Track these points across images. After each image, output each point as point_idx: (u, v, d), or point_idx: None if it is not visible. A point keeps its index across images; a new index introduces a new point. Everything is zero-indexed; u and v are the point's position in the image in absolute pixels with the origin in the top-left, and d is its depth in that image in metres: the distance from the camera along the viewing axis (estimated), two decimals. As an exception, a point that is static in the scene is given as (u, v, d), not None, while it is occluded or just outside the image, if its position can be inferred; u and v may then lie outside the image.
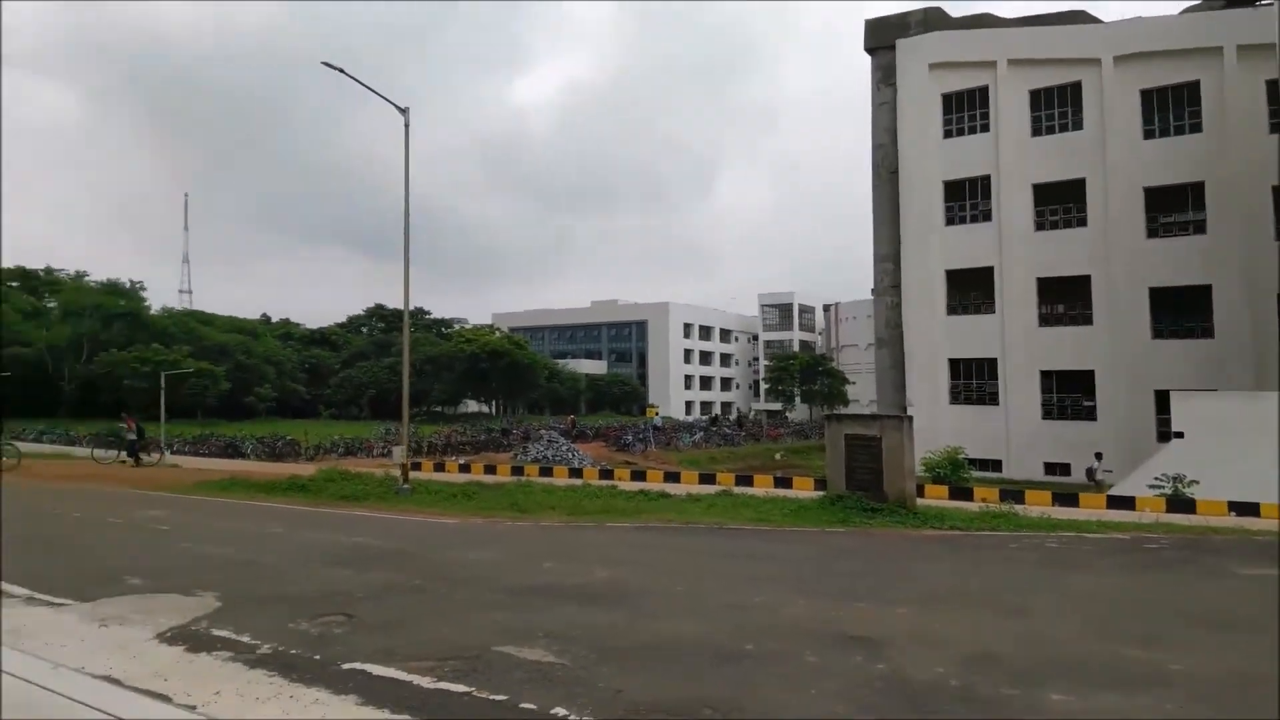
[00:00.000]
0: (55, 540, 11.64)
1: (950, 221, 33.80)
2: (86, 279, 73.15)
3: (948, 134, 33.88)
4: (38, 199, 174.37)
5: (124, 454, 27.37)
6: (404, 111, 19.24)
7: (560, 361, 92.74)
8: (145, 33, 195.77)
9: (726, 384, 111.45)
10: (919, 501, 15.32)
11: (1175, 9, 33.55)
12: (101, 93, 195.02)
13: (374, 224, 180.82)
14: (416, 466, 25.61)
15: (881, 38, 35.23)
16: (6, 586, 8.12)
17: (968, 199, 33.55)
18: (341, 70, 18.17)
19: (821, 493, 16.27)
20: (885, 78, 34.91)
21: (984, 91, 32.99)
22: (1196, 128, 29.46)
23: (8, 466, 22.90)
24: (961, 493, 18.18)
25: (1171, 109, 29.96)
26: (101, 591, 7.92)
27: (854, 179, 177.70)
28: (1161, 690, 5.38)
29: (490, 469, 25.66)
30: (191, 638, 6.43)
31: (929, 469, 22.02)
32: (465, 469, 26.30)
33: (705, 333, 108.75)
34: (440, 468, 27.07)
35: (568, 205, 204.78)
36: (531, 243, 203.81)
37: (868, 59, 35.71)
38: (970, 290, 33.49)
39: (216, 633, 6.57)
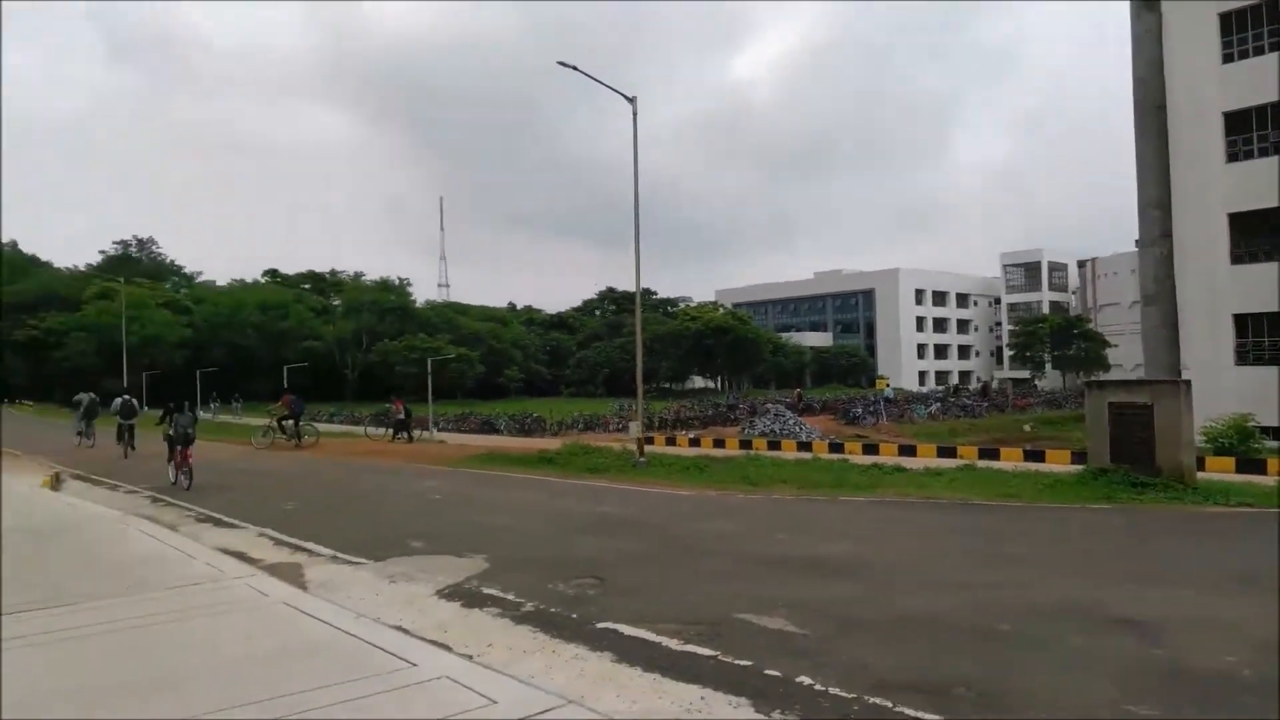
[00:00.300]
0: (350, 508, 13.44)
1: (1233, 158, 29.37)
2: (363, 278, 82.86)
3: (1228, 58, 29.40)
4: (319, 211, 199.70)
5: (394, 431, 30.74)
6: (631, 101, 19.84)
7: (784, 335, 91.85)
8: (398, 53, 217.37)
9: (965, 352, 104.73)
10: (1199, 475, 13.64)
11: None
12: (367, 113, 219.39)
13: (605, 212, 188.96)
14: (650, 440, 26.53)
15: None
16: (314, 547, 9.53)
17: (1255, 130, 28.93)
18: (575, 68, 19.08)
19: (1080, 467, 14.95)
20: (1147, 2, 30.83)
21: (1273, 4, 28.16)
22: None
23: (308, 445, 26.72)
24: (1252, 465, 15.97)
25: None
26: (389, 552, 9.07)
27: (1107, 123, 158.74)
28: None
29: (719, 443, 26.07)
30: (466, 595, 7.20)
31: (1210, 439, 19.40)
32: (695, 443, 26.91)
33: (939, 298, 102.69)
34: (671, 442, 27.89)
35: (791, 176, 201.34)
36: (755, 217, 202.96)
37: None
38: (1259, 235, 28.91)
39: (486, 591, 7.31)
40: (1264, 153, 28.91)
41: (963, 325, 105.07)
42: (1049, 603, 6.59)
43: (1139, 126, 31.47)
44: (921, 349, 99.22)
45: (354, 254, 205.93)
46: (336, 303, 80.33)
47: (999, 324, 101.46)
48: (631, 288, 21.32)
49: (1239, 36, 29.34)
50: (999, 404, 52.51)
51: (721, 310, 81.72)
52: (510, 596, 7.08)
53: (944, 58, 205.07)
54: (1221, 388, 27.22)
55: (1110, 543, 9.50)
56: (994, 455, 19.69)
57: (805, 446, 23.52)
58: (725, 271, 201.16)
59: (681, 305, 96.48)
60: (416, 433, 31.12)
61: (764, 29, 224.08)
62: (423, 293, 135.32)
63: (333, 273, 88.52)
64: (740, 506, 12.74)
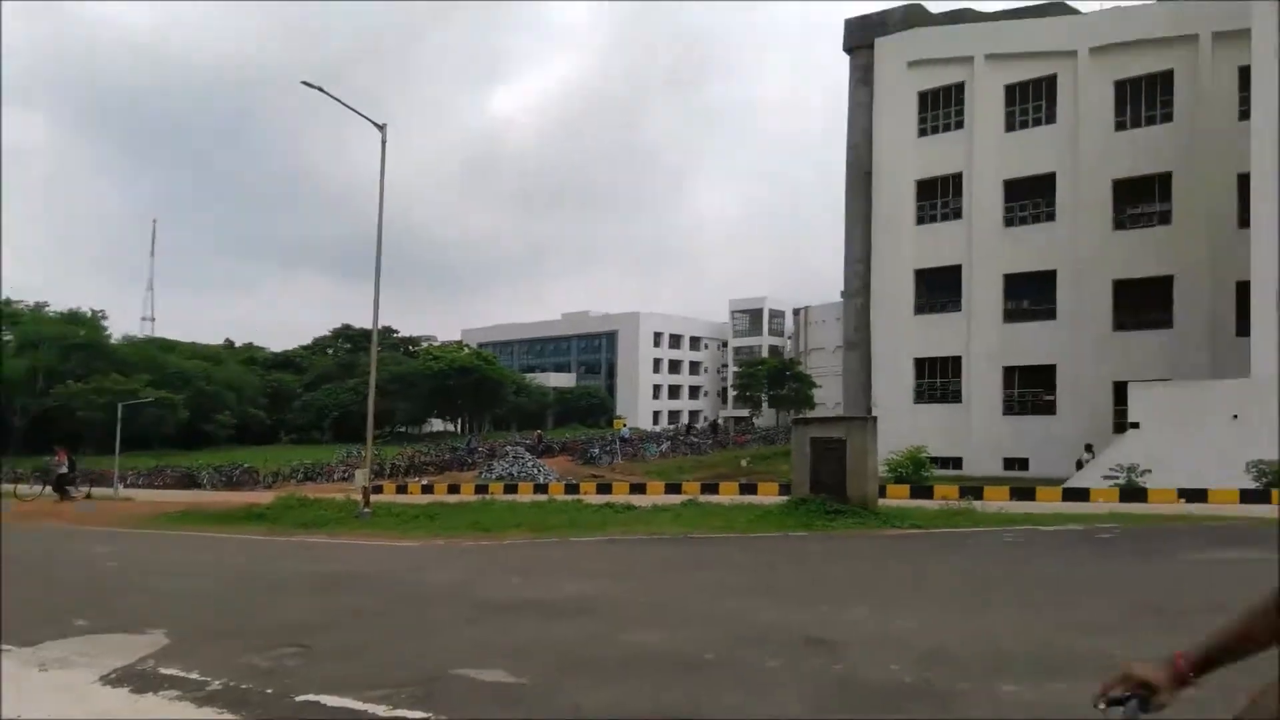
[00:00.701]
0: None
1: (921, 220, 34.23)
2: (46, 309, 71.47)
3: (922, 132, 34.28)
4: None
5: (49, 489, 25.71)
6: (381, 128, 19.08)
7: (529, 376, 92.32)
8: (111, 57, 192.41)
9: (695, 392, 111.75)
10: (881, 502, 15.48)
11: None
12: (67, 117, 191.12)
13: (346, 244, 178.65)
14: (378, 490, 25.28)
15: (861, 37, 35.55)
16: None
17: (939, 197, 34.04)
18: (321, 89, 18.00)
19: (786, 497, 16.36)
20: (863, 78, 35.27)
21: (960, 88, 33.43)
22: (1168, 118, 30.08)
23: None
24: (923, 491, 18.41)
25: (1144, 99, 30.60)
26: (44, 634, 7.69)
27: (831, 182, 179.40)
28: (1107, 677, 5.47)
29: (454, 489, 25.44)
30: (138, 678, 6.25)
31: (892, 469, 22.26)
32: (428, 490, 26.05)
33: (675, 341, 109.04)
34: (403, 489, 26.79)
35: (545, 216, 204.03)
36: (507, 257, 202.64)
37: (845, 60, 36.08)
38: (938, 289, 33.95)
39: (165, 671, 6.40)
40: (945, 217, 34.04)
41: (695, 367, 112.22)
42: (753, 629, 7.05)
43: (849, 189, 36.10)
44: (657, 389, 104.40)
45: (40, 281, 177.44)
46: (9, 337, 68.51)
47: (725, 366, 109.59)
48: (370, 324, 20.38)
49: (932, 114, 34.45)
50: (723, 441, 56.48)
51: (466, 350, 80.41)
52: (194, 675, 6.25)
53: (691, 108, 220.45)
54: (904, 424, 31.25)
55: (806, 568, 10.44)
56: (714, 490, 21.04)
57: (542, 489, 23.64)
58: (474, 311, 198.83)
59: (425, 345, 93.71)
60: (83, 490, 26.42)
61: (522, 70, 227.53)
62: (123, 327, 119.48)
63: (7, 302, 75.32)
64: (468, 553, 12.43)
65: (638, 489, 22.37)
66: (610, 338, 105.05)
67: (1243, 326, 24.76)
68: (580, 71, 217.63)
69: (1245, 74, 24.82)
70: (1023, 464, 30.30)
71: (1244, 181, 24.48)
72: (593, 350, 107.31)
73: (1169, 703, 1.58)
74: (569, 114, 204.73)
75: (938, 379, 33.69)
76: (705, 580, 9.66)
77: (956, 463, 31.37)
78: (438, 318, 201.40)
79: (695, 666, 5.97)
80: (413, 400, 73.28)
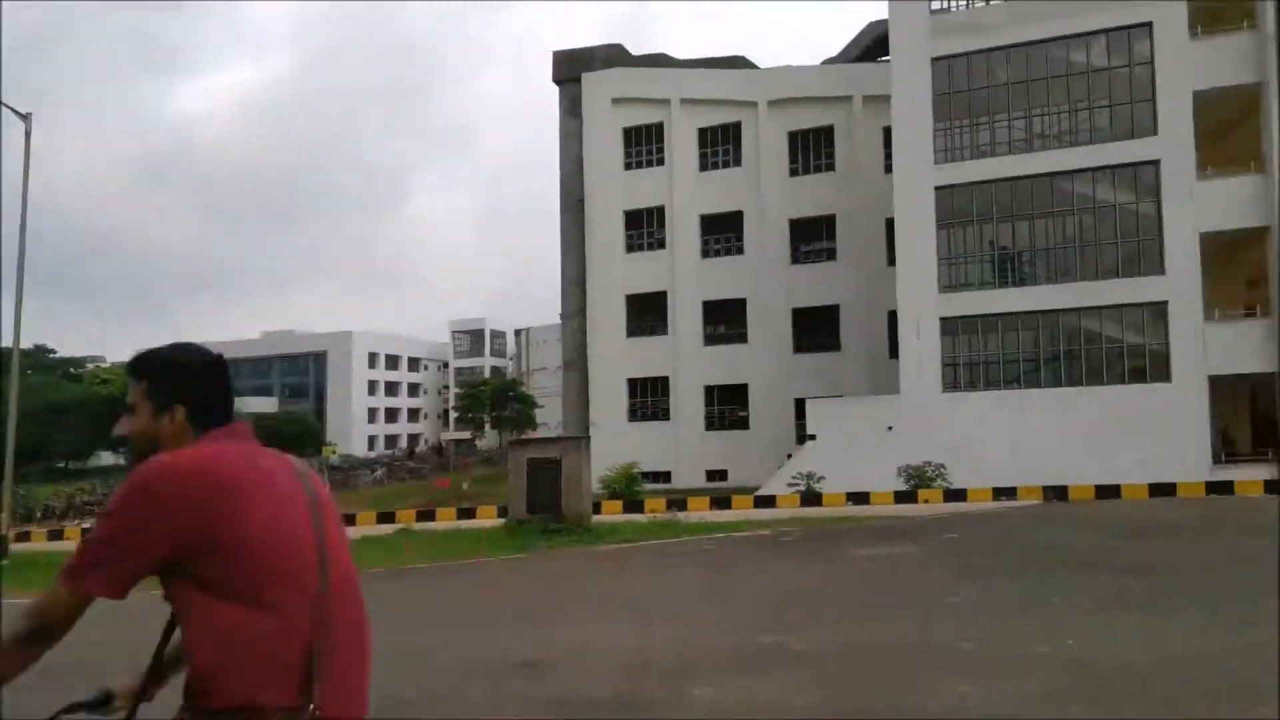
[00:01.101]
0: None
1: (630, 249, 35.98)
2: None
3: (628, 166, 36.08)
4: None
5: None
6: (25, 118, 16.56)
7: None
8: None
9: (416, 415, 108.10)
10: (596, 518, 15.96)
11: (823, 57, 38.65)
12: None
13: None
14: (25, 536, 21.44)
15: (568, 70, 36.69)
16: None
17: (645, 228, 36.00)
18: None
19: (505, 520, 16.30)
20: (572, 109, 36.38)
21: (659, 127, 35.67)
22: (831, 167, 34.35)
23: None
24: (634, 506, 19.27)
25: (812, 150, 34.71)
26: None
27: (550, 204, 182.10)
28: (788, 670, 6.05)
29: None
30: None
31: (607, 486, 23.07)
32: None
33: (393, 362, 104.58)
34: (58, 535, 22.94)
35: (244, 228, 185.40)
36: (199, 269, 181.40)
37: (557, 89, 37.03)
38: (647, 313, 35.87)
39: None
40: (652, 246, 36.02)
41: (414, 389, 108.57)
42: (462, 657, 6.88)
43: (564, 214, 36.95)
44: (373, 413, 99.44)
45: None
46: None
47: (447, 387, 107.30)
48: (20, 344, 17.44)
49: (637, 149, 36.34)
50: (444, 465, 55.17)
51: (142, 373, 70.74)
52: None
53: (407, 121, 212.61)
54: (619, 442, 32.54)
55: (520, 590, 10.44)
56: (431, 516, 20.41)
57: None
58: (157, 329, 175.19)
59: (91, 366, 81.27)
60: None
61: (208, 69, 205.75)
62: None
63: None
64: (127, 606, 10.85)
65: (347, 520, 21.04)
66: (319, 359, 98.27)
67: (894, 350, 28.97)
68: (291, 76, 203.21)
69: (888, 133, 29.24)
70: (723, 475, 32.91)
71: (890, 225, 28.74)
72: (299, 373, 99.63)
73: (125, 709, 1.81)
74: (275, 120, 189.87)
75: (649, 398, 35.59)
76: (415, 615, 9.28)
77: (667, 476, 33.29)
78: (114, 336, 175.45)
79: (398, 703, 5.68)
80: (74, 430, 63.10)
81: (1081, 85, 24.66)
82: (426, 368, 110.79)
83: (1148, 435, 21.69)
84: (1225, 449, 23.04)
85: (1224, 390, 23.01)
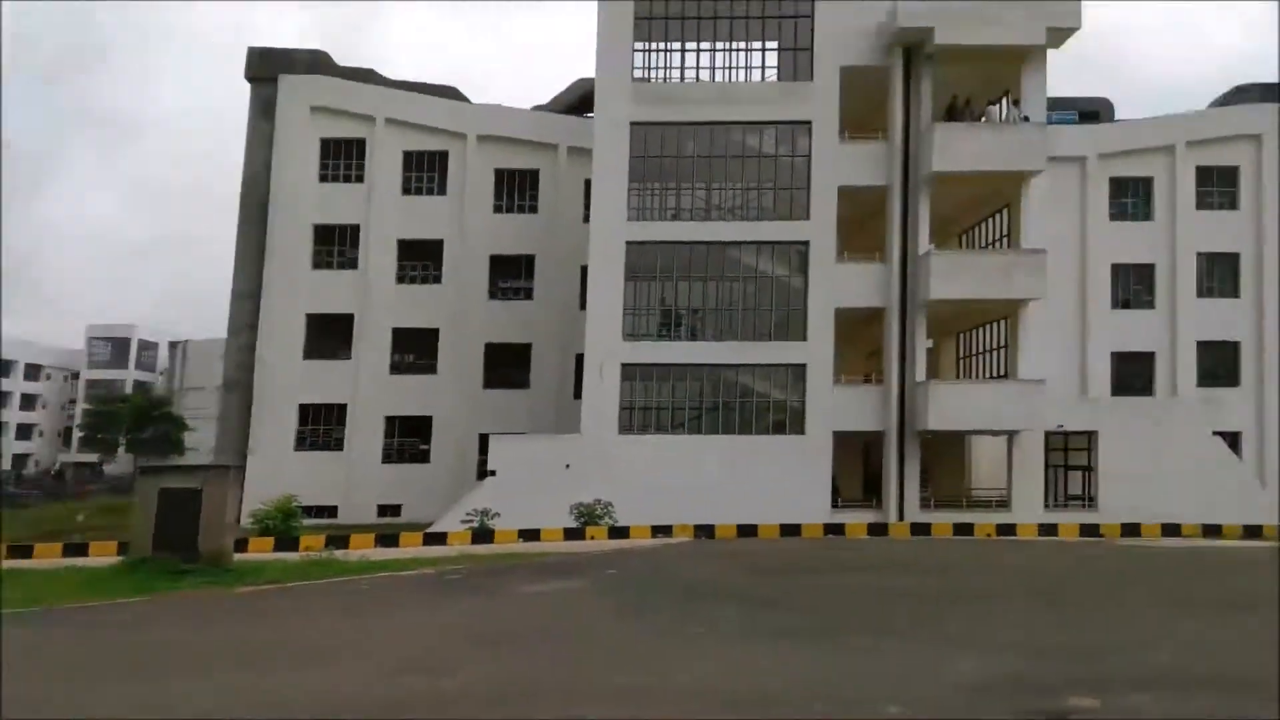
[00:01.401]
0: None
1: (318, 265, 33.41)
2: None
3: (323, 178, 33.68)
4: None
5: None
6: None
7: None
8: None
9: (27, 432, 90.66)
10: (241, 557, 14.30)
11: (543, 99, 39.21)
12: None
13: None
14: None
15: (265, 69, 33.65)
16: None
17: (337, 245, 33.68)
18: None
19: (124, 558, 13.98)
20: (265, 110, 33.32)
21: (361, 144, 33.72)
22: (534, 209, 34.72)
23: None
24: (288, 543, 17.58)
25: (517, 190, 34.87)
26: None
27: (225, 208, 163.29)
28: (439, 710, 5.67)
29: None
30: None
31: (258, 521, 20.79)
32: None
33: (3, 368, 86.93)
34: None
35: None
36: None
37: (248, 86, 33.70)
38: (329, 335, 33.41)
39: None
40: (342, 265, 33.79)
41: (29, 401, 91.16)
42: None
43: (243, 220, 33.36)
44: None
45: None
46: None
47: (74, 401, 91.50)
48: None
49: (334, 162, 34.05)
50: (57, 492, 46.73)
51: None
52: None
53: (59, 112, 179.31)
54: (283, 472, 29.80)
55: (116, 643, 8.87)
56: (28, 553, 16.93)
57: None
58: None
59: None
60: None
61: None
62: None
63: None
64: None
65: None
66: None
67: (579, 391, 29.87)
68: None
69: (588, 185, 30.49)
70: (396, 510, 31.40)
71: (584, 272, 29.83)
72: None
73: None
74: None
75: (322, 425, 33.12)
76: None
77: (332, 511, 30.97)
78: None
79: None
80: None
81: (754, 167, 27.68)
82: (50, 377, 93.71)
83: (785, 481, 24.48)
84: (838, 496, 26.69)
85: (847, 444, 26.76)
